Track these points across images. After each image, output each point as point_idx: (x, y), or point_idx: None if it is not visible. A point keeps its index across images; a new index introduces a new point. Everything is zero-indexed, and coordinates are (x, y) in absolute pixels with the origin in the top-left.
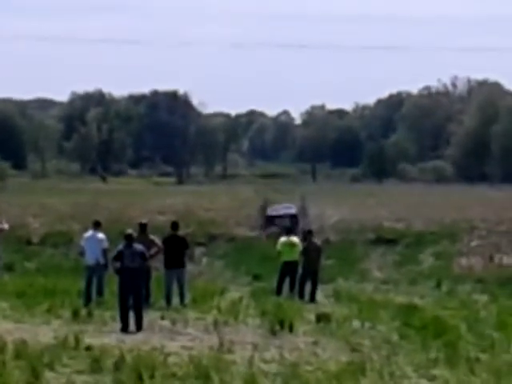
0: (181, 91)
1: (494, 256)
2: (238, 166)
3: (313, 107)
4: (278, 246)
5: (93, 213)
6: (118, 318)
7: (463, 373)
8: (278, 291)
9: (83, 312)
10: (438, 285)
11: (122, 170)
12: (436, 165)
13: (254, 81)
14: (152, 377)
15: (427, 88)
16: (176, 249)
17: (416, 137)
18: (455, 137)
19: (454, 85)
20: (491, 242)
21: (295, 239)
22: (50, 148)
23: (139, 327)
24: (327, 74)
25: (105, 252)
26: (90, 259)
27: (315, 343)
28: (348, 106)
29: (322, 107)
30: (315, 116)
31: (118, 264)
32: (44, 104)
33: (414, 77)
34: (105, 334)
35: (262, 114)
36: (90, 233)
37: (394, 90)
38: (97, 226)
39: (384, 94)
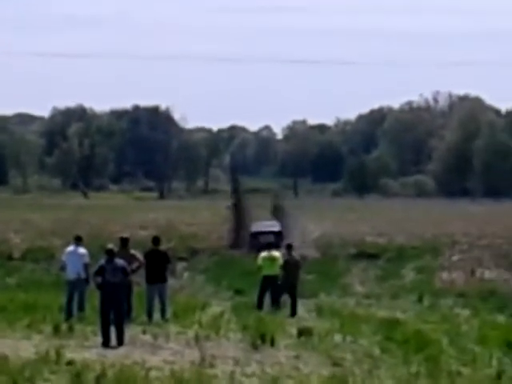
0: (162, 106)
1: (476, 270)
2: (220, 180)
3: (294, 122)
4: (259, 261)
5: (74, 228)
6: (99, 332)
7: None
8: (259, 305)
9: (64, 327)
10: (420, 299)
11: (104, 185)
12: (418, 180)
13: (235, 96)
14: None
15: (409, 103)
16: (157, 263)
17: (397, 151)
18: (437, 152)
19: (435, 100)
20: (473, 256)
21: (276, 253)
22: (32, 163)
23: (120, 342)
24: (308, 88)
25: (86, 267)
26: (71, 274)
27: (297, 357)
28: (329, 121)
29: (304, 122)
30: (297, 131)
31: (99, 279)
32: (25, 119)
33: (395, 92)
34: (86, 349)
35: (243, 129)
36: (71, 247)
37: (376, 105)
38: (78, 240)
39: (365, 109)
